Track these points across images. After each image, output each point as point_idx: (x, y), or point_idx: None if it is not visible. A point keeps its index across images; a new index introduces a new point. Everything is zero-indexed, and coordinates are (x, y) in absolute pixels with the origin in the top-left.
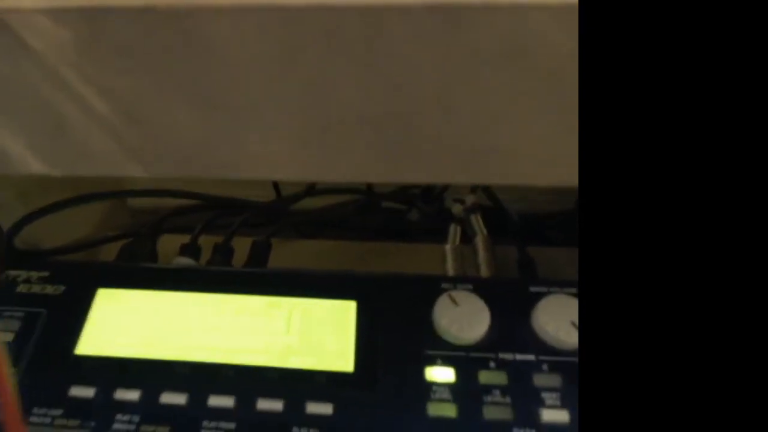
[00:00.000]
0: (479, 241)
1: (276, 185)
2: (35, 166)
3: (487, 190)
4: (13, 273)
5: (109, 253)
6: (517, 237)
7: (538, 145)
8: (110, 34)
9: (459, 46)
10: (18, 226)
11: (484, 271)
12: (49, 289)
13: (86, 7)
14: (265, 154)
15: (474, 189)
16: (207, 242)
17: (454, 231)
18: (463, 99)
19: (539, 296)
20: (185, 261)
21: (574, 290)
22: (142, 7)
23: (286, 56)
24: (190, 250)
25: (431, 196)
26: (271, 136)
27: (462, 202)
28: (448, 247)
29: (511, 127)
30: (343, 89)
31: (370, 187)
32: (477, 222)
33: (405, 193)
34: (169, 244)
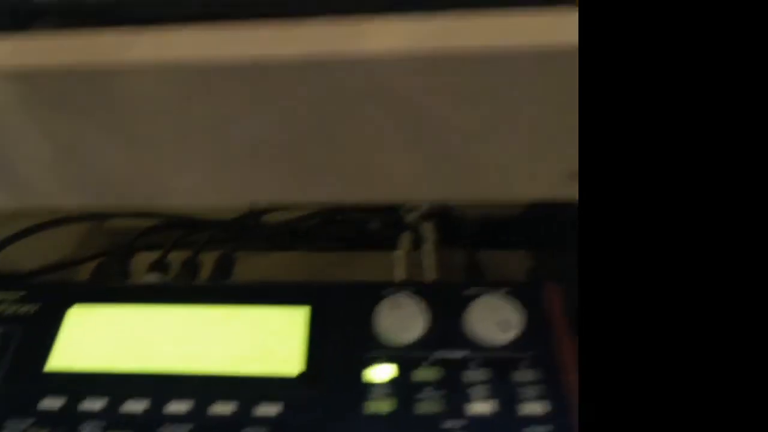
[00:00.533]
0: (427, 248)
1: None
2: None
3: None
4: None
5: (86, 273)
6: (466, 242)
7: (405, 167)
8: (44, 89)
9: (326, 89)
10: None
11: (431, 276)
12: (24, 309)
13: (20, 67)
14: (181, 185)
15: None
16: (178, 258)
17: (404, 239)
18: (340, 131)
19: (473, 297)
20: (154, 277)
21: (506, 290)
22: (66, 68)
23: (185, 101)
24: (159, 266)
25: (391, 206)
26: (184, 169)
27: (417, 210)
28: (397, 254)
29: (384, 153)
30: (238, 126)
31: None
32: (426, 229)
33: (366, 204)
34: (142, 262)
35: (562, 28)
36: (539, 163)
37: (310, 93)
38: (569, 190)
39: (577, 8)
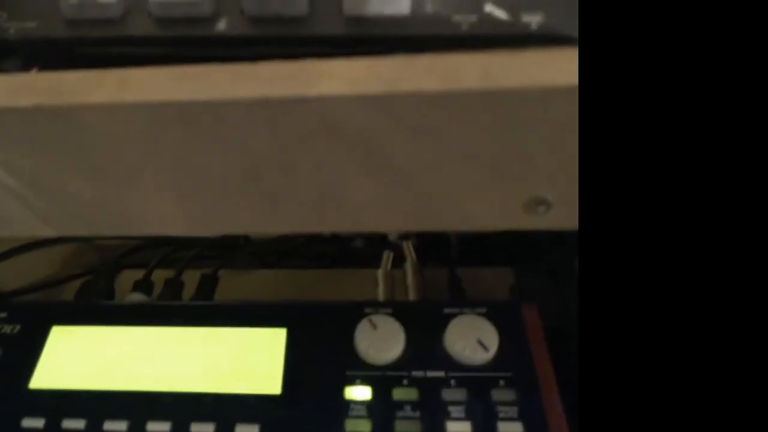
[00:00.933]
0: (408, 266)
1: None
2: None
3: None
4: None
5: (71, 291)
6: (449, 260)
7: (363, 199)
8: (10, 127)
9: (282, 127)
10: None
11: (412, 295)
12: (6, 329)
13: None
14: (149, 213)
15: None
16: (162, 276)
17: (386, 257)
18: (298, 165)
19: (451, 317)
20: (137, 297)
21: (483, 310)
22: (32, 107)
23: (151, 137)
24: (143, 285)
25: None
26: (152, 198)
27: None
28: (379, 272)
29: (342, 183)
30: (201, 159)
31: None
32: (407, 248)
33: None
34: (128, 280)
35: (511, 68)
36: (495, 194)
37: (266, 131)
38: (525, 221)
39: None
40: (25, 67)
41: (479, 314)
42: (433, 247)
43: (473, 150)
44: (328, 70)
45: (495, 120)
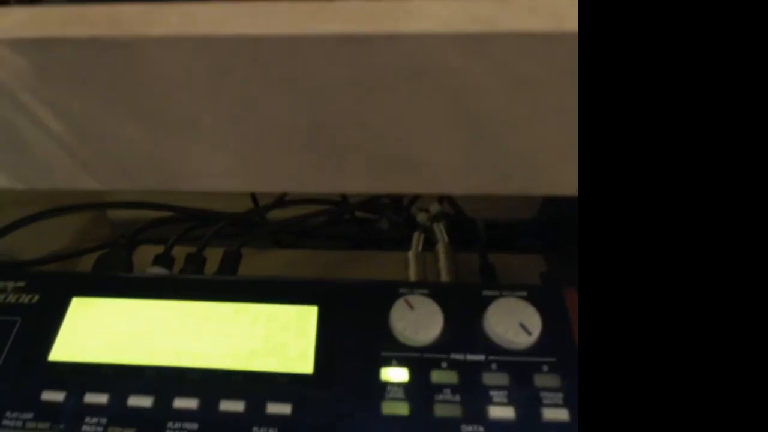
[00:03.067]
0: (440, 248)
1: (253, 196)
2: (1, 180)
3: (451, 200)
4: None
5: (87, 264)
6: (479, 245)
7: (446, 156)
8: (62, 61)
9: (367, 69)
10: None
11: (444, 277)
12: (25, 299)
13: (40, 38)
14: (206, 166)
15: (441, 200)
16: (181, 252)
17: (417, 239)
18: (376, 114)
19: (491, 299)
20: (158, 271)
21: (524, 293)
22: (88, 38)
23: (214, 78)
24: (164, 260)
25: (400, 206)
26: (209, 150)
27: (427, 211)
28: (410, 254)
29: (421, 139)
30: (269, 106)
31: (342, 197)
32: (439, 230)
33: (375, 204)
34: (145, 255)
35: None
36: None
37: (344, 74)
38: None
39: None
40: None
41: (520, 297)
42: (460, 231)
43: (572, 104)
44: (418, 8)
45: None
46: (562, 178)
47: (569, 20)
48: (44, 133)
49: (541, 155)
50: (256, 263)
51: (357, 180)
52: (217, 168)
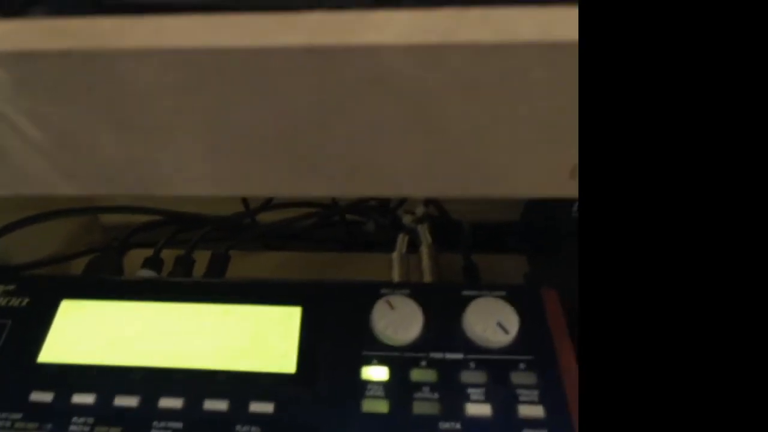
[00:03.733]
0: (423, 250)
1: (244, 199)
2: None
3: (436, 202)
4: None
5: (78, 268)
6: (464, 246)
7: (405, 161)
8: (39, 73)
9: (330, 78)
10: None
11: (428, 278)
12: (15, 302)
13: (19, 51)
14: (180, 171)
15: (426, 202)
16: (170, 255)
17: (401, 240)
18: (340, 121)
19: (470, 299)
20: (147, 273)
21: (503, 293)
22: (66, 50)
23: (186, 88)
24: (153, 263)
25: (387, 208)
26: (182, 156)
27: (413, 213)
28: (394, 255)
29: (383, 144)
30: (238, 114)
31: (333, 200)
32: (423, 231)
33: (362, 206)
34: (135, 259)
35: (568, 22)
36: (543, 159)
37: (309, 83)
38: (571, 188)
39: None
40: (56, 12)
41: (499, 297)
42: (446, 233)
43: (526, 110)
44: (377, 20)
45: (551, 76)
46: (519, 180)
47: (521, 31)
48: (23, 142)
49: (498, 159)
50: (244, 265)
51: (324, 184)
52: (191, 173)
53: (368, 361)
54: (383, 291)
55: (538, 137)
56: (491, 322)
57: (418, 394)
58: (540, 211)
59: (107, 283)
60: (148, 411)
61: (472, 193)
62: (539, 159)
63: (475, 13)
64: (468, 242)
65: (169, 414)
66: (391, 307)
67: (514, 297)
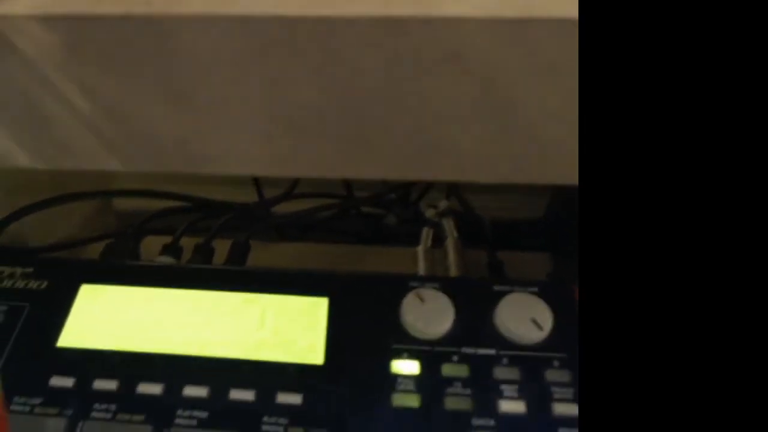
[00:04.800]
0: (450, 244)
1: (258, 188)
2: (21, 159)
3: (459, 196)
4: None
5: (93, 253)
6: (487, 242)
7: (473, 143)
8: (93, 39)
9: (400, 52)
10: (4, 224)
11: (454, 272)
12: (33, 284)
13: (71, 15)
14: (234, 149)
15: (448, 195)
16: (188, 243)
17: (426, 234)
18: (407, 99)
19: (502, 294)
20: (166, 260)
21: (535, 289)
22: (121, 16)
23: (248, 59)
24: (172, 250)
25: (407, 201)
26: (238, 132)
27: (435, 207)
28: (419, 249)
29: (451, 125)
30: (299, 89)
31: (349, 192)
32: (448, 225)
33: (382, 199)
34: (151, 246)
35: None
36: None
37: (380, 57)
38: None
39: None
40: None
41: (532, 293)
42: (468, 228)
43: None
44: None
45: None
46: None
47: None
48: (69, 112)
49: (568, 142)
50: (261, 256)
51: (384, 166)
52: (243, 151)
53: (398, 355)
54: (412, 284)
55: None
56: (525, 318)
57: (449, 390)
58: (564, 209)
59: (128, 269)
60: (173, 399)
61: (538, 180)
62: None
63: None
64: (490, 237)
65: (194, 402)
66: (422, 300)
67: (547, 293)
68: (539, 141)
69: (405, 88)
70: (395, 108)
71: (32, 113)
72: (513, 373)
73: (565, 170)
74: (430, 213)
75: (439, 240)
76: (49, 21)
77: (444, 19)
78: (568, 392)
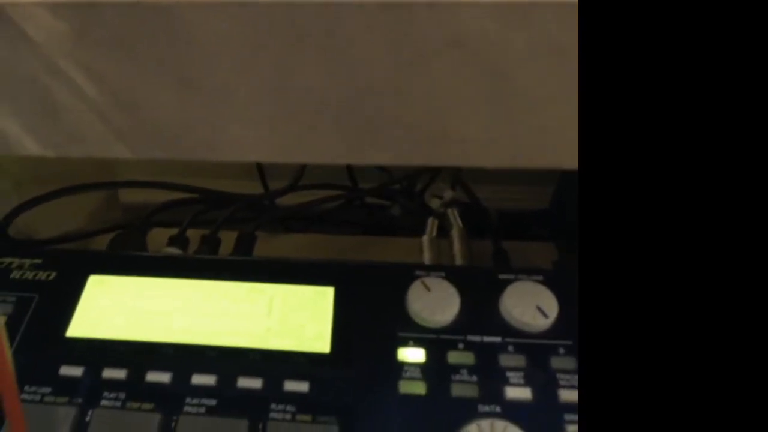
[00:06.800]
0: (455, 234)
1: (263, 180)
2: (30, 147)
3: (464, 186)
4: (6, 260)
5: (100, 245)
6: (493, 232)
7: (479, 129)
8: (101, 26)
9: (406, 38)
10: (12, 216)
11: (459, 262)
12: (41, 275)
13: (80, 1)
14: (240, 135)
15: (453, 186)
16: (195, 234)
17: (431, 224)
18: (412, 84)
19: (507, 283)
20: (173, 251)
21: (540, 278)
22: (128, 2)
23: (255, 45)
24: (178, 241)
25: (412, 192)
26: (245, 119)
27: (441, 197)
28: (425, 238)
29: (457, 111)
30: (306, 75)
31: (354, 183)
32: (453, 215)
33: (387, 190)
34: (158, 238)
35: None
36: None
37: (385, 42)
38: None
39: None
40: None
41: (537, 281)
42: (473, 219)
43: None
44: None
45: None
46: None
47: None
48: (79, 99)
49: (573, 130)
50: (267, 247)
51: (391, 152)
52: (250, 138)
53: (404, 343)
54: (418, 272)
55: None
56: (530, 305)
57: (456, 377)
58: (570, 199)
59: (135, 259)
60: (181, 387)
61: (544, 164)
62: None
63: None
64: (495, 228)
65: (203, 390)
66: (428, 288)
67: (552, 281)
68: (544, 125)
69: (410, 73)
70: (400, 93)
71: (41, 100)
72: (519, 361)
73: (571, 155)
74: (435, 203)
75: (444, 231)
76: (57, 7)
77: (449, 3)
78: (573, 379)
